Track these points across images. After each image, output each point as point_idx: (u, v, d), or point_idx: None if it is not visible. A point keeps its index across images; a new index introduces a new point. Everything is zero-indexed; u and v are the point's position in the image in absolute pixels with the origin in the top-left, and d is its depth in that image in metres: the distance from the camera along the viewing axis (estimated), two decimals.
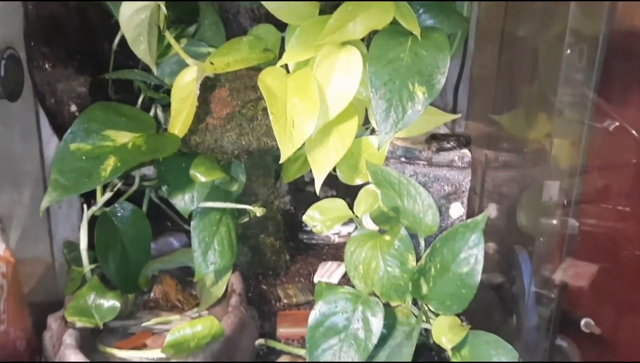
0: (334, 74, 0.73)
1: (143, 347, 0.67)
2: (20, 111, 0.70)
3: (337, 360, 0.64)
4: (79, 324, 0.64)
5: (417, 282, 0.64)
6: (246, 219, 0.80)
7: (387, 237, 0.70)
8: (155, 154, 0.70)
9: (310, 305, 0.83)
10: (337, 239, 1.00)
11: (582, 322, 0.72)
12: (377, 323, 0.64)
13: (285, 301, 0.83)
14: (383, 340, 0.66)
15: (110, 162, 0.66)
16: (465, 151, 0.76)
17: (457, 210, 0.77)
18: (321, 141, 0.76)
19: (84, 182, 0.64)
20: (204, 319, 0.59)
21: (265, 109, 0.75)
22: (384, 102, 0.69)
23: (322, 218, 0.73)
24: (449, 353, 0.63)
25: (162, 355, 0.63)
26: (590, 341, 0.72)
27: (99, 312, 0.66)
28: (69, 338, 0.62)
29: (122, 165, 0.66)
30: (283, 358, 0.71)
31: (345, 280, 0.89)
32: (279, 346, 0.73)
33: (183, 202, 0.74)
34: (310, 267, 0.93)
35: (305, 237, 1.00)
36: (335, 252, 0.98)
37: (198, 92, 0.73)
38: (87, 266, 0.73)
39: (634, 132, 0.65)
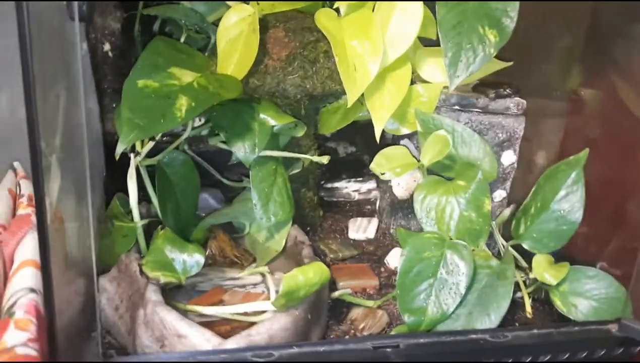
0: (392, 16, 0.72)
1: (219, 302, 0.62)
2: None
3: (427, 305, 0.63)
4: (162, 280, 0.57)
5: (519, 220, 0.64)
6: (297, 170, 0.76)
7: (461, 182, 0.69)
8: (222, 96, 0.64)
9: (354, 259, 0.81)
10: (357, 196, 0.98)
11: None
12: (466, 266, 0.64)
13: (331, 256, 0.80)
14: None
15: (183, 102, 0.59)
16: (520, 99, 0.77)
17: (509, 157, 0.77)
18: (378, 87, 0.73)
19: (159, 123, 0.57)
20: (313, 265, 0.55)
21: (326, 52, 0.71)
22: (453, 45, 0.68)
23: (390, 165, 0.70)
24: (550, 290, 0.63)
25: (251, 309, 0.59)
26: None
27: (182, 266, 0.60)
28: (154, 295, 0.55)
29: (197, 105, 0.59)
30: (355, 310, 0.69)
31: (380, 233, 0.88)
32: (348, 299, 0.70)
33: (243, 149, 0.68)
34: (340, 223, 0.90)
35: (324, 194, 0.97)
36: (357, 208, 0.95)
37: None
38: (138, 221, 0.65)
39: None
